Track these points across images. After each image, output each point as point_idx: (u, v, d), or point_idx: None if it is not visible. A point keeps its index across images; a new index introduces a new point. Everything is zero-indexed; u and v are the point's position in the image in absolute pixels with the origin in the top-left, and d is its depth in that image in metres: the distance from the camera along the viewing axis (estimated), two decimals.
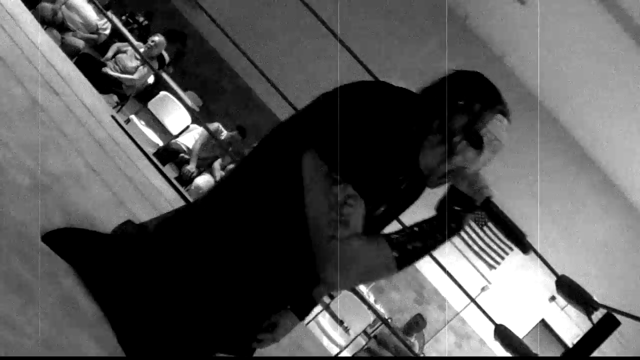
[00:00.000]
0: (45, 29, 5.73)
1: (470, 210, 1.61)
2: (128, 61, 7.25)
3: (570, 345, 3.93)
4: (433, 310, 9.65)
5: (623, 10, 6.71)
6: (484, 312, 3.57)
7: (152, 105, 8.02)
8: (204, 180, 7.23)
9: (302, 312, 1.84)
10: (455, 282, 3.81)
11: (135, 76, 7.26)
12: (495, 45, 9.38)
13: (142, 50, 7.19)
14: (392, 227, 1.72)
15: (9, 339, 1.21)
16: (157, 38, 7.34)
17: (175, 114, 8.13)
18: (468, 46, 9.28)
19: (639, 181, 9.29)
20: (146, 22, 8.92)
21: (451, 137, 1.61)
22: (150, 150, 5.70)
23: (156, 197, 3.17)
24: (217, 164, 7.46)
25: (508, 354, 3.00)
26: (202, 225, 1.63)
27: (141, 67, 7.26)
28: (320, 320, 7.28)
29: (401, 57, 9.32)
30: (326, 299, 7.40)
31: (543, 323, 9.85)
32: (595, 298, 2.79)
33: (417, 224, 1.60)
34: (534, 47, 8.06)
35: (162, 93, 8.09)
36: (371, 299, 8.36)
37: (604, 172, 9.65)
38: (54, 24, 6.80)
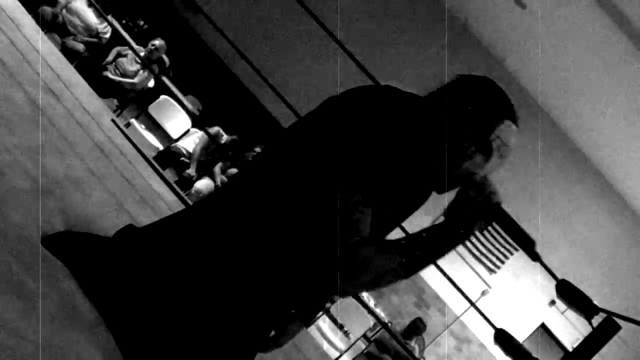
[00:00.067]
0: (45, 33, 5.74)
1: (479, 216, 1.60)
2: (128, 65, 7.26)
3: (571, 350, 3.92)
4: (433, 314, 9.64)
5: (623, 15, 6.71)
6: (484, 316, 3.57)
7: (152, 109, 8.02)
8: (204, 184, 7.23)
9: (308, 318, 1.83)
10: (455, 286, 3.80)
11: (135, 80, 7.27)
12: (495, 49, 9.38)
13: (142, 54, 7.19)
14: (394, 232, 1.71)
15: (8, 343, 1.21)
16: (158, 42, 7.34)
17: (175, 117, 8.13)
18: (468, 50, 9.28)
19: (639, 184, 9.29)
20: (146, 26, 8.93)
21: (460, 143, 1.60)
22: (150, 154, 5.69)
23: (156, 200, 3.17)
24: (217, 168, 7.46)
25: (508, 358, 3.00)
26: (205, 230, 1.62)
27: (141, 71, 7.27)
28: (320, 324, 7.27)
29: (401, 60, 9.32)
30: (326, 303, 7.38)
31: (543, 327, 9.83)
32: (595, 302, 2.78)
33: (425, 230, 1.59)
34: (534, 51, 8.06)
35: (163, 97, 8.09)
36: (371, 303, 8.35)
37: (605, 176, 9.65)
38: (55, 28, 6.81)
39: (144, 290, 1.57)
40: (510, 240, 8.35)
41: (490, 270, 9.63)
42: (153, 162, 3.97)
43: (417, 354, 7.84)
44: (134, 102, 7.65)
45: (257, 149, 7.49)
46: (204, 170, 7.46)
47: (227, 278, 1.57)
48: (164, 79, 7.87)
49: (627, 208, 9.79)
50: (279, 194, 1.58)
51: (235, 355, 1.65)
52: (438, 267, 3.61)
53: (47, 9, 6.82)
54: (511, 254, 9.48)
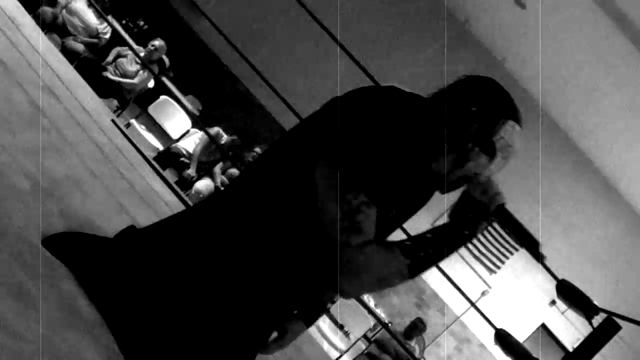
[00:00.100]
0: (45, 33, 5.74)
1: (483, 217, 1.60)
2: (128, 65, 7.26)
3: (571, 350, 3.92)
4: (433, 315, 9.64)
5: (623, 15, 6.71)
6: (484, 316, 3.57)
7: (152, 109, 8.02)
8: (204, 185, 7.23)
9: (310, 319, 1.83)
10: (456, 287, 3.80)
11: (135, 80, 7.27)
12: (495, 49, 9.38)
13: (142, 54, 7.19)
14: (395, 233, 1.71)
15: (8, 344, 1.20)
16: (158, 42, 7.34)
17: (175, 118, 8.13)
18: (468, 50, 9.28)
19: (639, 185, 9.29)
20: (146, 27, 8.93)
21: (464, 144, 1.60)
22: (150, 155, 5.70)
23: (156, 201, 3.17)
24: (217, 169, 7.46)
25: (508, 359, 3.00)
26: (207, 231, 1.61)
27: (141, 72, 7.27)
28: (320, 325, 7.27)
29: (401, 61, 9.32)
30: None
31: (543, 327, 9.83)
32: (595, 302, 2.78)
33: (430, 231, 1.59)
34: (534, 51, 8.06)
35: (163, 97, 8.09)
36: (371, 303, 8.35)
37: (605, 176, 9.65)
38: (55, 28, 6.81)
39: (144, 291, 1.56)
40: (511, 241, 8.33)
41: (491, 271, 9.62)
42: (153, 162, 3.98)
43: (417, 354, 7.84)
44: (134, 102, 7.66)
45: (257, 149, 7.50)
46: (204, 170, 7.46)
47: (228, 279, 1.56)
48: (164, 79, 7.88)
49: (627, 208, 9.78)
50: (281, 195, 1.58)
51: (235, 356, 1.65)
52: (438, 267, 3.61)
53: (47, 10, 6.82)
54: (511, 254, 9.48)
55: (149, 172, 3.65)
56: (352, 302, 7.14)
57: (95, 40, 7.14)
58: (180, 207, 3.52)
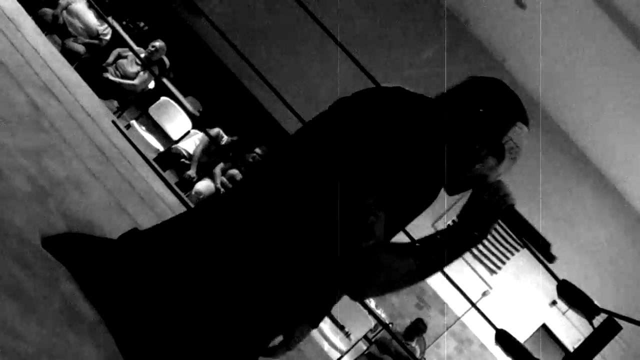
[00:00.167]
0: (46, 35, 5.74)
1: (493, 219, 1.60)
2: (129, 66, 7.26)
3: (572, 350, 3.92)
4: (434, 315, 9.63)
5: (623, 15, 6.72)
6: (484, 317, 3.57)
7: (152, 110, 8.02)
8: (204, 186, 7.23)
9: (315, 320, 1.82)
10: (456, 287, 3.80)
11: (136, 81, 7.27)
12: (495, 50, 9.38)
13: (142, 55, 7.19)
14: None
15: (9, 345, 1.20)
16: (158, 43, 7.34)
17: (175, 119, 8.13)
18: (468, 51, 9.28)
19: None
20: (147, 28, 8.94)
21: (472, 145, 1.60)
22: (150, 156, 5.70)
23: (157, 202, 3.17)
24: (217, 169, 7.46)
25: (509, 359, 3.00)
26: (212, 233, 1.60)
27: (142, 73, 7.27)
28: (321, 325, 7.27)
29: (402, 62, 9.32)
30: None
31: (544, 328, 9.83)
32: (596, 302, 2.78)
33: (439, 232, 1.59)
34: (534, 51, 8.06)
35: (163, 98, 8.09)
36: (372, 304, 8.34)
37: (605, 176, 9.65)
38: (55, 29, 6.82)
39: (146, 293, 1.56)
40: (511, 241, 8.33)
41: (491, 271, 9.62)
42: (153, 163, 3.97)
43: (418, 355, 7.84)
44: (134, 103, 7.66)
45: (258, 150, 7.50)
46: (205, 171, 7.46)
47: (233, 281, 1.55)
48: (165, 80, 7.88)
49: (628, 208, 9.78)
50: (290, 197, 1.57)
51: (240, 358, 1.65)
52: None
53: (48, 11, 6.83)
54: (512, 254, 9.48)
55: (150, 173, 3.65)
56: (353, 302, 7.14)
57: (95, 42, 7.14)
58: (181, 208, 3.52)
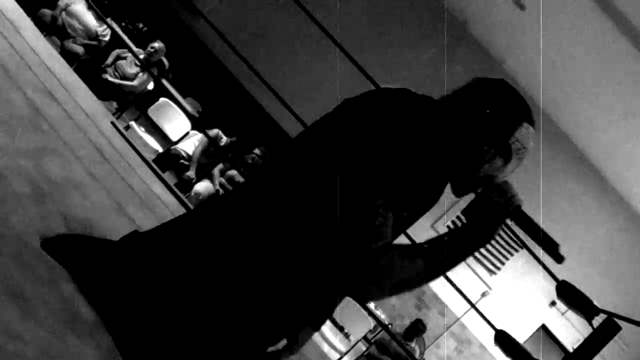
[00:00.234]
0: (45, 36, 5.74)
1: (501, 219, 1.61)
2: (128, 67, 7.26)
3: (571, 351, 3.92)
4: (433, 316, 9.63)
5: (623, 16, 6.72)
6: (484, 317, 3.57)
7: (151, 111, 8.02)
8: (203, 187, 7.22)
9: (318, 323, 1.82)
10: (456, 288, 3.80)
11: (135, 82, 7.27)
12: (495, 50, 9.38)
13: (141, 56, 7.19)
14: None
15: (8, 347, 1.20)
16: (157, 44, 7.34)
17: (175, 120, 8.13)
18: (468, 51, 9.28)
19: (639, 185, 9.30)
20: (146, 29, 8.93)
21: (479, 146, 1.60)
22: (149, 157, 5.69)
23: (156, 203, 3.17)
24: (216, 170, 7.45)
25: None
26: (212, 235, 1.59)
27: (141, 74, 7.27)
28: None
29: (401, 62, 9.32)
30: None
31: (543, 328, 9.83)
32: (595, 303, 2.78)
33: (447, 233, 1.59)
34: (534, 52, 8.06)
35: (162, 99, 8.09)
36: (371, 304, 8.34)
37: (605, 176, 9.65)
38: (54, 31, 6.82)
39: (147, 295, 1.56)
40: (510, 242, 8.32)
41: (491, 272, 9.62)
42: (152, 164, 3.97)
43: (417, 356, 7.84)
44: (133, 104, 7.65)
45: (257, 151, 7.49)
46: (204, 172, 7.46)
47: (235, 284, 1.54)
48: (164, 81, 7.87)
49: (627, 208, 9.78)
50: (294, 198, 1.56)
51: None
52: None
53: (47, 12, 6.82)
54: (511, 255, 9.48)
55: (149, 174, 3.65)
56: (352, 303, 7.14)
57: (94, 43, 7.14)
58: (180, 209, 3.52)
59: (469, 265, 9.40)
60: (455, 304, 9.46)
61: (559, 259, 1.65)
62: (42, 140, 2.31)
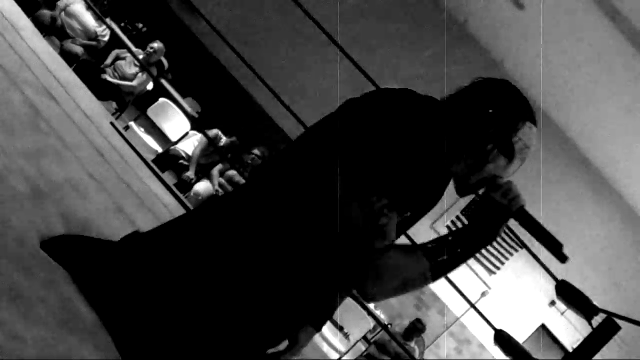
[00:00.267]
0: (44, 36, 5.74)
1: (504, 219, 1.61)
2: (127, 68, 7.26)
3: (570, 350, 3.92)
4: (433, 316, 9.63)
5: (622, 16, 6.72)
6: (483, 317, 3.57)
7: (151, 111, 8.02)
8: (203, 187, 7.22)
9: (319, 323, 1.81)
10: (455, 288, 3.80)
11: (134, 83, 7.27)
12: (494, 49, 9.38)
13: (141, 56, 7.19)
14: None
15: (8, 347, 1.20)
16: (156, 44, 7.34)
17: (174, 120, 8.13)
18: (467, 51, 9.28)
19: (639, 185, 9.30)
20: (145, 29, 8.93)
21: (483, 146, 1.61)
22: (149, 157, 5.70)
23: (155, 203, 3.17)
24: (215, 171, 7.45)
25: (508, 359, 3.00)
26: (215, 235, 1.59)
27: (140, 74, 7.27)
28: None
29: (401, 62, 9.32)
30: None
31: (543, 328, 9.83)
32: (595, 302, 2.78)
33: (451, 233, 1.60)
34: (533, 51, 8.07)
35: (161, 99, 8.09)
36: (371, 304, 8.34)
37: (605, 176, 9.66)
38: (53, 31, 6.81)
39: (147, 296, 1.55)
40: (510, 241, 8.30)
41: (490, 271, 9.62)
42: (152, 164, 3.97)
43: (417, 356, 7.84)
44: (132, 104, 7.65)
45: (256, 151, 7.49)
46: (203, 172, 7.46)
47: (236, 285, 1.54)
48: (163, 81, 7.87)
49: (627, 208, 9.79)
50: (296, 198, 1.56)
51: None
52: None
53: (46, 12, 6.82)
54: (511, 254, 9.49)
55: (148, 175, 3.65)
56: (352, 303, 7.13)
57: (93, 43, 7.14)
58: (179, 210, 3.52)
59: (468, 265, 9.40)
60: (455, 304, 9.46)
61: (563, 258, 1.64)
62: (41, 140, 2.31)
